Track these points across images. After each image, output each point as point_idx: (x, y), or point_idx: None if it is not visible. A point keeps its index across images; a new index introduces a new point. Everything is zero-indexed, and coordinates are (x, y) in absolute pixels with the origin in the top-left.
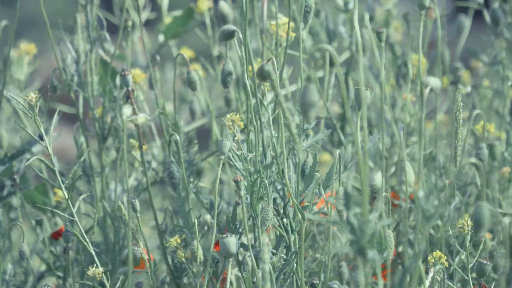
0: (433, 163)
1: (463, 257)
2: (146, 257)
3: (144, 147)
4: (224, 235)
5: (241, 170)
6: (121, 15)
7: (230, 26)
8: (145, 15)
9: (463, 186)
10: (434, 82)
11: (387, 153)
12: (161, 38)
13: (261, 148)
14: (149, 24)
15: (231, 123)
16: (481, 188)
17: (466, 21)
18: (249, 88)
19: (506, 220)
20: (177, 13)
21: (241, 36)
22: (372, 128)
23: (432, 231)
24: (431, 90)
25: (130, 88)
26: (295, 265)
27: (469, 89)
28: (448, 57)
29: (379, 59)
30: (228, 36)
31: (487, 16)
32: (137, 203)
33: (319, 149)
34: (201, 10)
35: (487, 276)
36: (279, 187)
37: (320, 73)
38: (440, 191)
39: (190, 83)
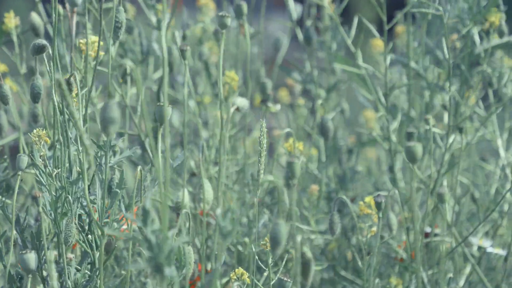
0: (243, 180)
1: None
2: None
3: None
4: (23, 251)
5: (46, 186)
6: None
7: (41, 41)
8: None
9: (271, 204)
10: (241, 102)
11: (198, 170)
12: None
13: (67, 164)
14: None
15: (37, 139)
16: (290, 206)
17: (284, 39)
18: (56, 103)
19: (298, 237)
20: None
21: (50, 51)
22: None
23: (240, 248)
24: (237, 109)
25: None
26: (99, 281)
27: (278, 107)
28: (264, 74)
29: (186, 76)
30: (39, 50)
31: (300, 35)
32: None
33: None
34: (8, 28)
35: None
36: (85, 203)
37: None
38: (250, 208)
39: (2, 97)
